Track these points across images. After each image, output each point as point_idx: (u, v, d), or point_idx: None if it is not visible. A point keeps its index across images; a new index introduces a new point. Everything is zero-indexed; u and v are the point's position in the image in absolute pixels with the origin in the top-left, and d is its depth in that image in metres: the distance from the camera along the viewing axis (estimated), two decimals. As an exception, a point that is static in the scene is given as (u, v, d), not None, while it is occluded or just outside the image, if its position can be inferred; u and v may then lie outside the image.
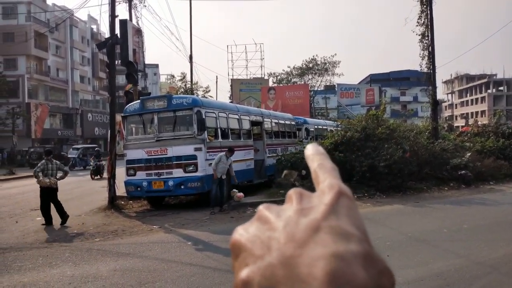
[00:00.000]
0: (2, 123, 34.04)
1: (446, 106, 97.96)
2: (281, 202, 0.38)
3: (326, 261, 0.29)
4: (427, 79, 19.49)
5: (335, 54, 48.58)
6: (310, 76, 45.51)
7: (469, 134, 20.49)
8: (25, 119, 36.93)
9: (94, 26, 54.30)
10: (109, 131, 12.66)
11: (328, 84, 47.52)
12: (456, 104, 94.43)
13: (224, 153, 10.30)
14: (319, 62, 44.37)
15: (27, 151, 32.62)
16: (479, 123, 21.92)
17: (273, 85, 41.94)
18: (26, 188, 16.10)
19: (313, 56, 44.72)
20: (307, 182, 12.56)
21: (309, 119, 24.59)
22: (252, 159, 13.53)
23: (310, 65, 44.65)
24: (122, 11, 65.44)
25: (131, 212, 11.14)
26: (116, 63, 14.20)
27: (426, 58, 18.75)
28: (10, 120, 34.00)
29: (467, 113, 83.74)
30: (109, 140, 12.35)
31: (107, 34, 13.61)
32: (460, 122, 68.49)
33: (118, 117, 12.94)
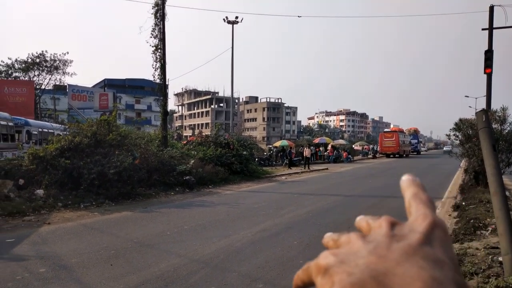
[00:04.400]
0: None
1: (177, 117, 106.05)
2: None
3: (424, 283, 0.30)
4: (159, 90, 20.51)
5: (67, 53, 44.99)
6: (36, 73, 40.84)
7: (194, 143, 22.42)
8: None
9: None
10: None
11: (58, 83, 43.66)
12: (185, 116, 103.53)
13: None
14: (48, 59, 40.39)
15: None
16: (203, 133, 24.45)
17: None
18: None
19: (42, 51, 40.37)
20: (25, 193, 11.04)
21: (32, 121, 22.00)
22: None
23: (38, 60, 40.09)
24: None
25: None
26: None
27: (159, 69, 19.73)
28: None
29: (195, 124, 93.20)
30: None
31: None
32: (188, 132, 75.23)
33: None
